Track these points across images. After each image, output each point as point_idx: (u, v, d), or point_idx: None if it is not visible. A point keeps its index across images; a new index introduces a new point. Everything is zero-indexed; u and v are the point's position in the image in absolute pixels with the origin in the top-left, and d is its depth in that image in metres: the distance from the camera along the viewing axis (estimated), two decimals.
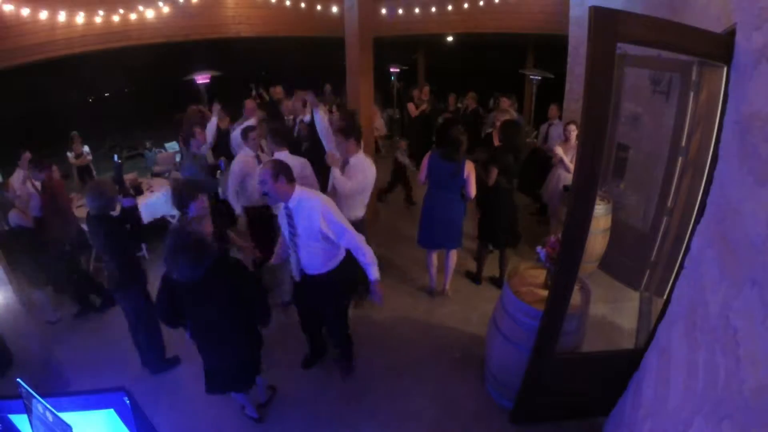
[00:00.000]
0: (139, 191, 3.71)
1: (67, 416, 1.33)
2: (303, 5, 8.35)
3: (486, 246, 4.10)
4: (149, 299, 3.05)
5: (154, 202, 5.05)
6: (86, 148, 6.52)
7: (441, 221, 3.54)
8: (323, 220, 2.44)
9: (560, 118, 5.69)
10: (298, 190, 2.48)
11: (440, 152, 3.40)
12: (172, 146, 8.49)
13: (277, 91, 6.53)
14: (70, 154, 6.13)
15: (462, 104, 7.37)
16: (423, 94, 7.30)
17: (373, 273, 2.51)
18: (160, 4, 6.52)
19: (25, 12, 5.13)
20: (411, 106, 7.21)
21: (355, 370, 3.16)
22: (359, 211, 3.39)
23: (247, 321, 2.37)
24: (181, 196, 2.74)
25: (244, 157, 3.76)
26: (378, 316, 3.74)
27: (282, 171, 2.40)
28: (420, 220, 3.69)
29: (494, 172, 3.60)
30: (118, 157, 6.92)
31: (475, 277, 4.24)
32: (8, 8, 5.01)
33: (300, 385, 3.07)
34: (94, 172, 7.08)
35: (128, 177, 5.57)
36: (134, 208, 2.99)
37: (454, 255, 3.79)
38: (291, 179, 2.44)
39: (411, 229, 5.41)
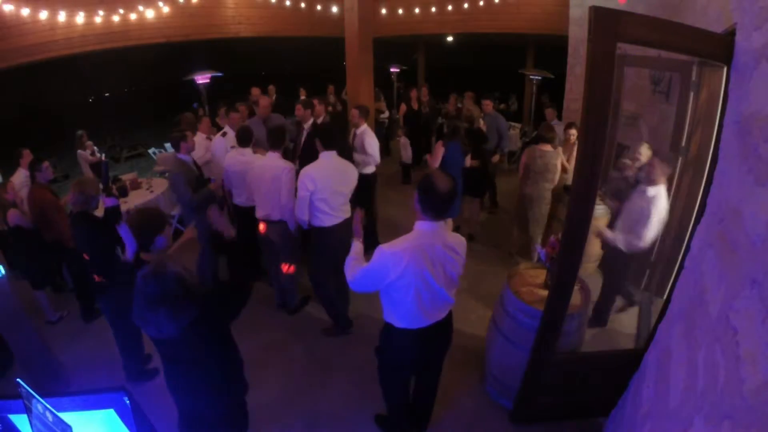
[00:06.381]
0: (124, 192, 3.57)
1: (67, 416, 1.33)
2: (303, 5, 8.36)
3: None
4: (128, 303, 2.99)
5: (154, 203, 5.05)
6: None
7: None
8: None
9: (560, 118, 5.69)
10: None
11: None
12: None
13: (255, 93, 6.28)
14: (82, 152, 6.04)
15: (461, 105, 7.38)
16: (423, 94, 7.29)
17: None
18: (160, 4, 6.52)
19: (25, 12, 5.13)
20: (403, 107, 7.23)
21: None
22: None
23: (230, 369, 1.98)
24: (142, 232, 2.19)
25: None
26: (378, 316, 3.72)
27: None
28: None
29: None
30: (106, 156, 6.84)
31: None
32: (8, 8, 5.01)
33: (299, 388, 3.07)
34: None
35: (128, 177, 5.58)
36: (116, 209, 2.97)
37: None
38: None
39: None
